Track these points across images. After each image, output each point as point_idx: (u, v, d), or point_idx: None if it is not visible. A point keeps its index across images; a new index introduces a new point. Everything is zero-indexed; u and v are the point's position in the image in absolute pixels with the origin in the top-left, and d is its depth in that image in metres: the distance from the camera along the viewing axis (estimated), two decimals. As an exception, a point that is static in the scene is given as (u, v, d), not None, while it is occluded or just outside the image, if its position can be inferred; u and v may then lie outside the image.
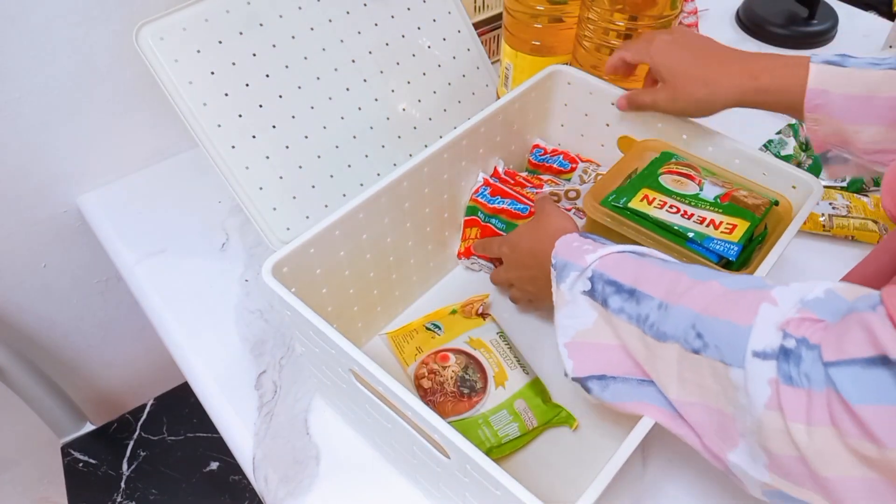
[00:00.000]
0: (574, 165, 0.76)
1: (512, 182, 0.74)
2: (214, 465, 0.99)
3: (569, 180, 0.76)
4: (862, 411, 0.31)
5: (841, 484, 0.33)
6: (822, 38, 1.11)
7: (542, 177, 0.76)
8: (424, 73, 0.80)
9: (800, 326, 0.35)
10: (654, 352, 0.43)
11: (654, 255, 0.48)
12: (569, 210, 0.73)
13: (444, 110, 0.82)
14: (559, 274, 0.49)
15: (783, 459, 0.35)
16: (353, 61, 0.76)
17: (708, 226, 0.57)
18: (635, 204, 0.59)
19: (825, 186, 0.79)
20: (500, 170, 0.74)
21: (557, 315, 0.49)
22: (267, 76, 0.71)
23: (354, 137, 0.75)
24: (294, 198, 0.72)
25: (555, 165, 0.77)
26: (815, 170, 0.85)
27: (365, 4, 0.76)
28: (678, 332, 0.41)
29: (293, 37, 0.72)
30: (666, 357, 0.42)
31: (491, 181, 0.72)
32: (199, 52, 0.67)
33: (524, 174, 0.76)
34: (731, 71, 0.57)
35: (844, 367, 0.32)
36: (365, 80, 0.76)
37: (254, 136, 0.70)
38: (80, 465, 1.00)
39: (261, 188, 0.70)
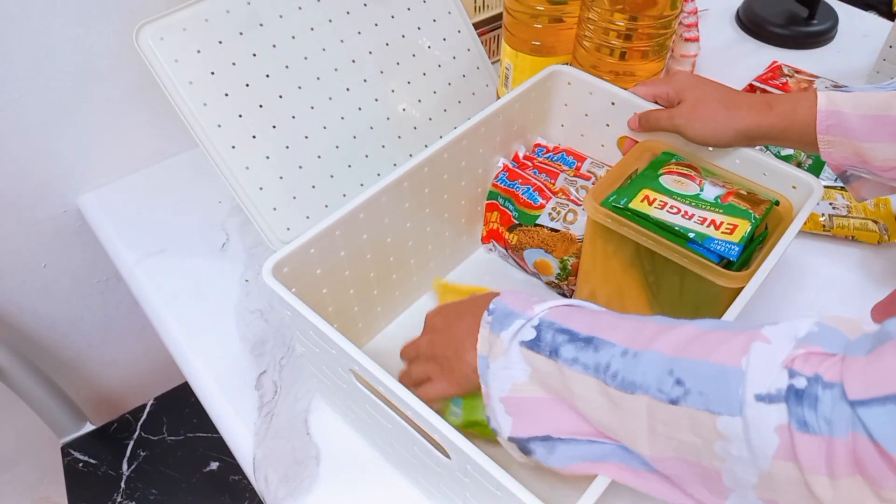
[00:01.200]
0: (580, 164, 0.76)
1: (530, 165, 0.74)
2: (214, 465, 0.99)
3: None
4: None
5: None
6: (822, 38, 1.11)
7: (559, 163, 0.76)
8: (424, 73, 0.80)
9: (808, 362, 0.31)
10: (619, 404, 0.38)
11: (608, 311, 0.44)
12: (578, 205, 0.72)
13: (444, 110, 0.82)
14: (501, 322, 0.44)
15: None
16: (354, 61, 0.76)
17: (709, 226, 0.57)
18: (636, 204, 0.59)
19: (825, 186, 0.79)
20: (521, 155, 0.75)
21: (492, 365, 0.44)
22: (267, 76, 0.71)
23: (354, 137, 0.75)
24: (294, 198, 0.72)
25: (563, 165, 0.77)
26: (815, 170, 0.85)
27: (365, 4, 0.76)
28: (649, 381, 0.36)
29: (293, 37, 0.72)
30: (634, 409, 0.37)
31: (510, 166, 0.73)
32: (199, 52, 0.67)
33: (541, 159, 0.76)
34: (750, 101, 0.60)
35: (877, 406, 0.28)
36: (365, 80, 0.76)
37: (254, 137, 0.70)
38: (80, 465, 0.99)
39: (261, 188, 0.70)
